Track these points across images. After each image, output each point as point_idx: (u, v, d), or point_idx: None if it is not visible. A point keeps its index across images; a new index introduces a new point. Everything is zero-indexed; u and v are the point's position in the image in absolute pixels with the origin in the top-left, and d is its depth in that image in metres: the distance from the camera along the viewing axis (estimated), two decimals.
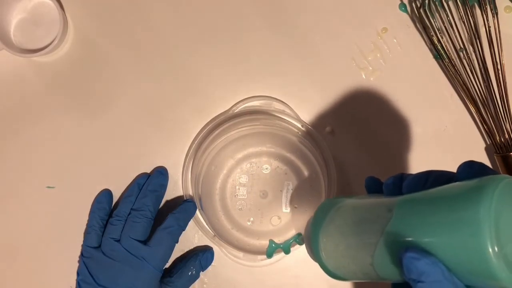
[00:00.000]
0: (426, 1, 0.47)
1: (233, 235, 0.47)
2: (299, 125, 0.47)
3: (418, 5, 0.48)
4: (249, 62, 0.49)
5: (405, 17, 0.49)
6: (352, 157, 0.49)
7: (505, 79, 0.47)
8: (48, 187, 0.48)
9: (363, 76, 0.49)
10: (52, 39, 0.46)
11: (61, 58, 0.49)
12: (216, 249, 0.48)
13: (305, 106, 0.48)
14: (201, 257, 0.46)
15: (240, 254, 0.46)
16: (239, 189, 0.48)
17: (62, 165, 0.48)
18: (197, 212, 0.46)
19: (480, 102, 0.47)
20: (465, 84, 0.47)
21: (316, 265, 0.48)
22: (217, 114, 0.48)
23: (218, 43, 0.49)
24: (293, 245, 0.43)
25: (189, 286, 0.46)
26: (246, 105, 0.48)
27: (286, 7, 0.49)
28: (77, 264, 0.46)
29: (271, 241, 0.43)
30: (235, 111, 0.48)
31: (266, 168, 0.48)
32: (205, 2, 0.49)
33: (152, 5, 0.49)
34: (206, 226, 0.46)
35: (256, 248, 0.47)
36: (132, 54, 0.49)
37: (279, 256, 0.47)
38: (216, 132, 0.46)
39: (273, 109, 0.48)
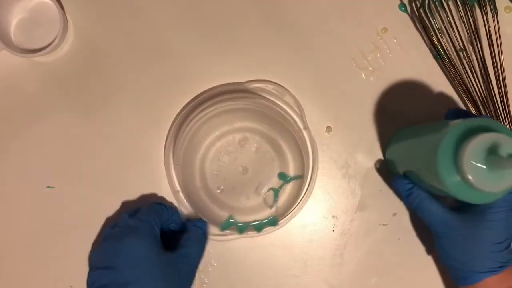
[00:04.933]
0: (426, 1, 0.47)
1: (200, 196, 0.47)
2: (298, 121, 0.47)
3: (418, 5, 0.48)
4: (248, 62, 0.49)
5: (405, 17, 0.49)
6: (351, 157, 0.49)
7: (505, 79, 0.47)
8: (48, 187, 0.48)
9: (363, 76, 0.49)
10: (52, 39, 0.46)
11: (61, 58, 0.49)
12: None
13: (305, 106, 0.48)
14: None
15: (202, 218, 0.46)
16: (223, 155, 0.48)
17: (62, 165, 0.48)
18: (172, 168, 0.46)
19: (480, 102, 0.47)
20: (465, 84, 0.47)
21: (315, 265, 0.48)
22: None
23: (218, 44, 0.49)
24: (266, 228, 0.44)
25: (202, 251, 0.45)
26: (256, 85, 0.48)
27: (285, 7, 0.49)
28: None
29: (230, 217, 0.43)
30: (240, 88, 0.47)
31: (256, 148, 0.48)
32: (206, 2, 0.49)
33: (152, 5, 0.49)
34: (175, 178, 0.46)
35: (214, 217, 0.47)
36: (132, 54, 0.49)
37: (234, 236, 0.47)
38: (217, 99, 0.46)
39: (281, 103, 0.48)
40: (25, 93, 0.49)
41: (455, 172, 0.34)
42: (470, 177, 0.33)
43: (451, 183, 0.35)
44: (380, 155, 0.49)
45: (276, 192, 0.45)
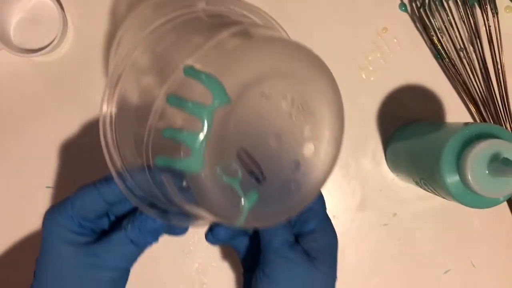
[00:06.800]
0: (426, 1, 0.47)
1: None
2: None
3: (418, 5, 0.48)
4: None
5: (405, 17, 0.49)
6: (352, 157, 0.49)
7: (505, 78, 0.47)
8: (48, 187, 0.48)
9: (363, 76, 0.49)
10: (52, 39, 0.46)
11: (61, 58, 0.49)
12: None
13: None
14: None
15: None
16: None
17: (62, 165, 0.48)
18: None
19: (480, 102, 0.47)
20: (465, 84, 0.47)
21: None
22: None
23: None
24: None
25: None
26: None
27: (286, 7, 0.49)
28: None
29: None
30: None
31: None
32: None
33: None
34: None
35: None
36: None
37: None
38: None
39: None
40: (24, 93, 0.49)
41: (457, 177, 0.35)
42: (472, 183, 0.34)
43: (453, 187, 0.35)
44: (380, 155, 0.49)
45: None
